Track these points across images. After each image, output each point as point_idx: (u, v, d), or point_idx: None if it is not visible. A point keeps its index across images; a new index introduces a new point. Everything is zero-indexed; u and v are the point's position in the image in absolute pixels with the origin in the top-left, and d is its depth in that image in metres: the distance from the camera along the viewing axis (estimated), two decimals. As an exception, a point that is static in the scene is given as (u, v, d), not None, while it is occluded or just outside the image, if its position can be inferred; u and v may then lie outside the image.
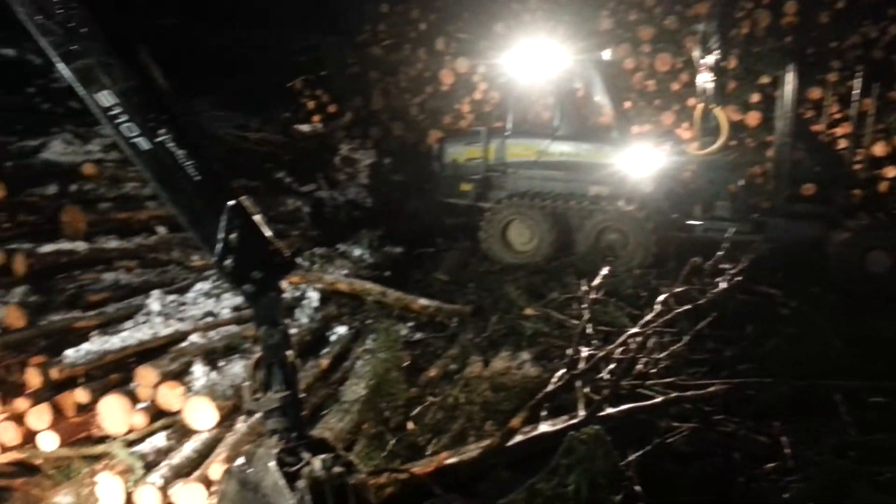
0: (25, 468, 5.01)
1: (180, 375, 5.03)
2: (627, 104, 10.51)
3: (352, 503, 2.39)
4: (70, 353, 5.18)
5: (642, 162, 8.62)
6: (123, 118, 2.65)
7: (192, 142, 2.76)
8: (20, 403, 5.03)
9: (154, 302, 6.11)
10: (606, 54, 9.50)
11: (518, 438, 3.84)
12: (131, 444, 4.56)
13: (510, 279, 7.87)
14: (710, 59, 8.47)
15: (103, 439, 4.76)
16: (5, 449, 4.93)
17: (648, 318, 5.51)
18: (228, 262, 2.65)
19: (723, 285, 6.39)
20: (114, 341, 5.38)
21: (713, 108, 8.68)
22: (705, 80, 8.57)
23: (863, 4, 10.45)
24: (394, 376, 5.28)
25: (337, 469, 2.43)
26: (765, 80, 10.25)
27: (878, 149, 9.12)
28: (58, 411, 4.97)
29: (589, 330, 5.62)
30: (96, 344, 5.33)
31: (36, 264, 6.30)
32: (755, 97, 10.31)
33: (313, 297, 6.77)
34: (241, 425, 4.67)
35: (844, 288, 7.58)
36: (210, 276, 6.80)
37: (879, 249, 7.77)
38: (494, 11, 12.52)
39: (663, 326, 5.69)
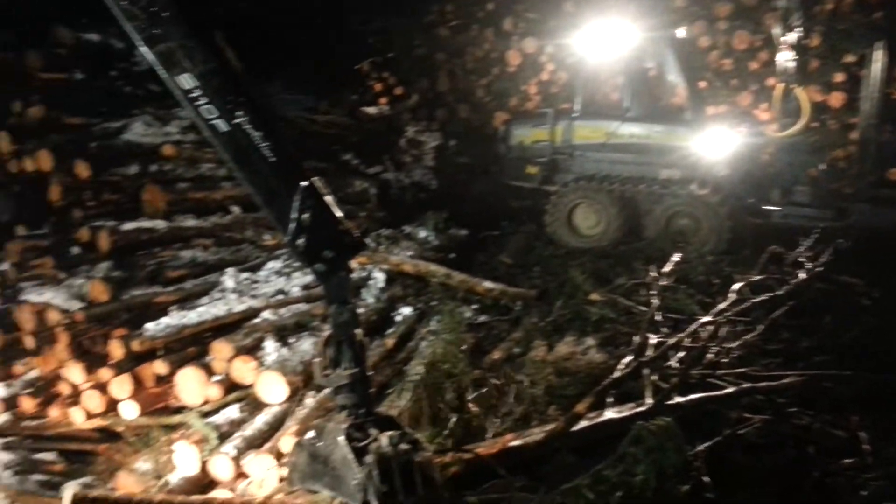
0: (108, 434, 5.30)
1: (253, 350, 5.20)
2: (702, 84, 10.16)
3: (417, 480, 2.42)
4: (150, 327, 5.43)
5: (717, 144, 8.32)
6: (203, 100, 2.74)
7: (267, 124, 2.83)
8: (104, 373, 5.31)
9: (228, 279, 6.33)
10: (680, 32, 9.18)
11: (583, 424, 3.80)
12: (206, 415, 4.76)
13: (575, 263, 7.77)
14: (792, 36, 8.08)
15: (180, 410, 4.98)
16: (90, 416, 5.22)
17: (722, 306, 5.35)
18: (301, 241, 2.71)
19: (802, 274, 6.13)
20: (191, 316, 5.60)
21: (794, 89, 8.30)
22: (786, 58, 8.19)
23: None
24: (457, 358, 5.31)
25: (403, 446, 2.47)
26: (850, 58, 9.72)
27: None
28: (138, 382, 5.23)
29: (658, 317, 5.50)
30: (175, 318, 5.57)
31: (119, 241, 6.61)
32: (839, 77, 9.80)
33: (379, 277, 6.88)
34: (310, 400, 4.80)
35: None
36: (281, 255, 6.98)
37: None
38: (564, -10, 12.28)
39: (737, 315, 5.52)
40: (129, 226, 6.79)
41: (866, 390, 4.73)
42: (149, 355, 5.35)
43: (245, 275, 6.54)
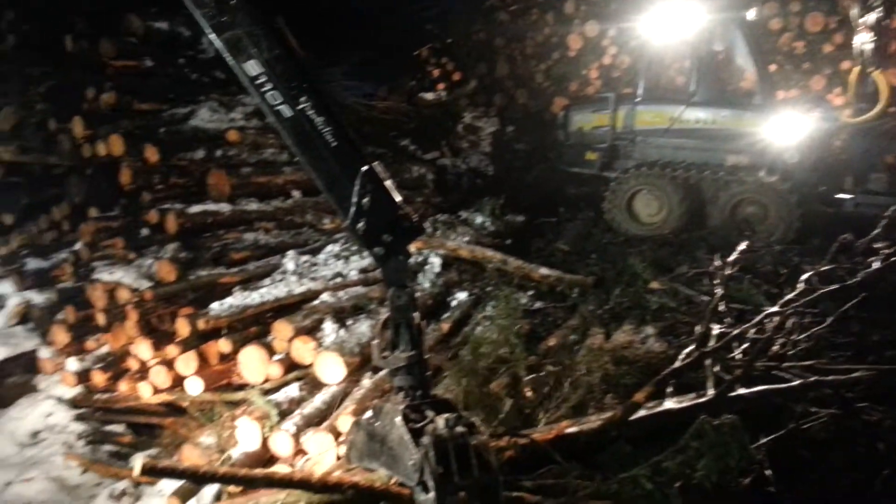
0: (174, 409, 5.52)
1: (312, 331, 5.31)
2: (773, 67, 9.78)
3: (473, 463, 2.42)
4: (215, 306, 5.60)
5: (788, 130, 8.01)
6: (268, 87, 2.80)
7: (329, 109, 2.87)
8: (170, 350, 5.52)
9: (289, 262, 6.47)
10: (751, 13, 8.85)
11: (641, 413, 3.73)
12: (267, 392, 4.89)
13: (635, 251, 7.63)
14: (871, 17, 7.68)
15: (242, 387, 5.13)
16: (157, 391, 5.43)
17: (789, 297, 5.15)
18: (360, 225, 2.74)
19: (875, 265, 5.85)
20: (253, 297, 5.75)
21: (872, 72, 7.89)
22: (864, 40, 7.79)
23: None
24: (513, 343, 5.29)
25: (459, 429, 2.47)
26: (934, 39, 9.19)
27: None
28: (203, 359, 5.41)
29: (721, 307, 5.34)
30: (238, 299, 5.72)
31: (185, 223, 6.83)
32: (921, 59, 9.28)
33: (435, 262, 6.90)
34: (366, 381, 4.87)
35: None
36: (340, 239, 7.09)
37: None
38: (627, -29, 11.99)
39: (805, 307, 5.31)
40: (195, 209, 7.00)
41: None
42: (213, 334, 5.53)
43: (305, 258, 6.66)
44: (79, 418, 5.90)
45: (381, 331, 2.83)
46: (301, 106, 2.79)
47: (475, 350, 5.26)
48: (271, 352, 5.16)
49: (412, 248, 2.90)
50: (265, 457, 4.45)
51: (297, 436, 4.31)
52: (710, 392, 4.13)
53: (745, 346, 4.73)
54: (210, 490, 4.42)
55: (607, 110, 9.29)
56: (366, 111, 10.62)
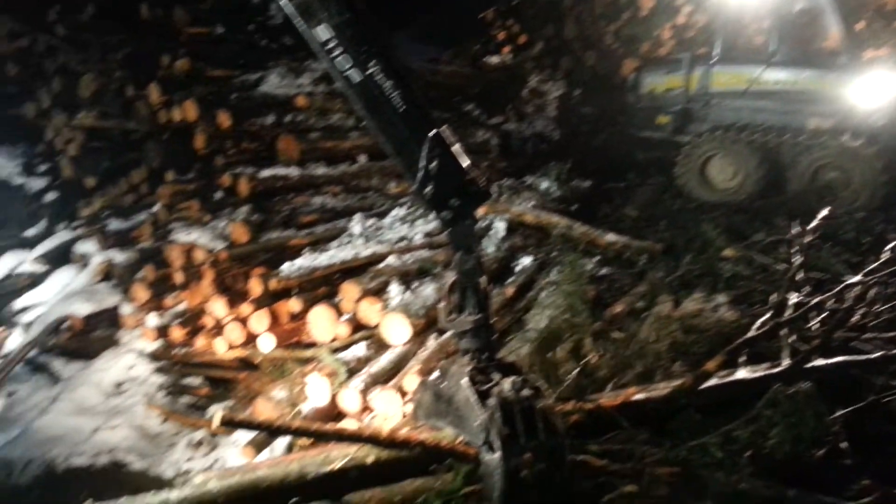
0: (247, 364, 5.73)
1: (378, 293, 5.40)
2: (860, 25, 9.19)
3: (539, 425, 2.42)
4: (285, 267, 5.76)
5: (874, 91, 7.55)
6: (338, 51, 2.81)
7: (397, 73, 2.86)
8: (244, 309, 5.71)
9: (356, 225, 6.57)
10: (837, -34, 8.31)
11: (712, 382, 3.65)
12: (335, 351, 5.01)
13: (707, 218, 7.40)
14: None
15: (312, 345, 5.28)
16: (231, 347, 5.65)
17: (872, 266, 4.91)
18: (428, 189, 2.74)
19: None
20: (322, 259, 5.88)
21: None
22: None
23: None
24: (578, 309, 5.24)
25: (526, 392, 2.47)
26: None
27: None
28: (274, 317, 5.59)
29: (800, 276, 5.14)
30: (307, 260, 5.87)
31: (257, 187, 7.01)
32: None
33: (500, 227, 6.87)
34: (431, 343, 4.94)
35: None
36: (405, 203, 7.14)
37: None
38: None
39: (889, 277, 5.06)
40: (265, 173, 7.17)
41: None
42: (284, 293, 5.69)
43: (371, 221, 6.75)
44: (158, 371, 6.21)
45: (447, 294, 2.84)
46: (370, 70, 2.79)
47: (540, 315, 5.25)
48: (339, 312, 5.27)
49: (479, 212, 2.87)
50: (333, 412, 4.58)
51: (364, 393, 4.41)
52: (786, 362, 4.00)
53: (824, 316, 4.55)
54: (282, 442, 4.59)
55: (681, 72, 8.96)
56: (430, 76, 10.57)
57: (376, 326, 5.02)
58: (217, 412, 1.97)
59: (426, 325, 5.07)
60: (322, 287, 5.80)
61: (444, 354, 4.73)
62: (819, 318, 4.54)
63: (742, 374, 3.87)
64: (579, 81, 11.84)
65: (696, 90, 8.87)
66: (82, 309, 6.85)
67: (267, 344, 5.37)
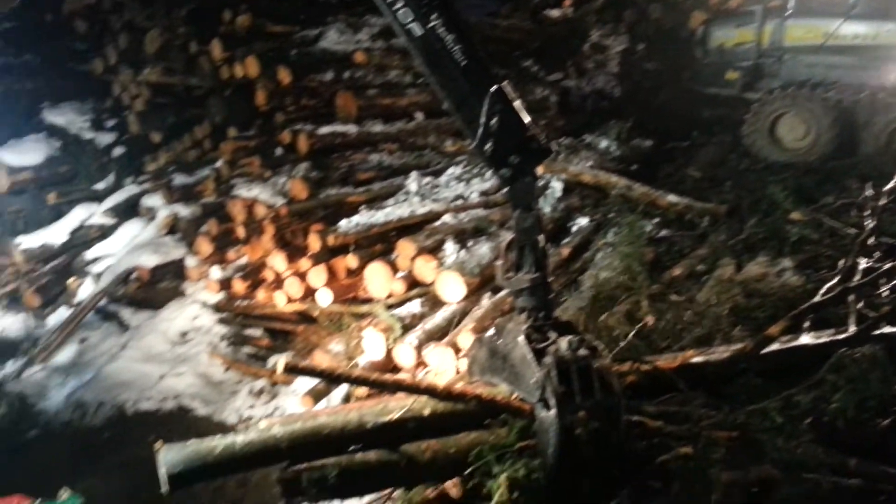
0: (305, 318, 5.89)
1: (434, 251, 5.42)
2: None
3: (595, 385, 2.42)
4: (343, 224, 5.85)
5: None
6: (400, 3, 2.79)
7: (459, 27, 2.81)
8: (303, 264, 5.84)
9: (412, 183, 6.59)
10: None
11: (774, 347, 3.55)
12: (391, 307, 5.09)
13: (775, 179, 7.10)
14: None
15: (368, 301, 5.38)
16: (290, 300, 5.80)
17: (951, 232, 4.66)
18: (488, 146, 2.70)
19: None
20: (378, 216, 5.94)
21: None
22: None
23: None
24: (635, 271, 5.16)
25: (582, 351, 2.46)
26: None
27: None
28: (332, 273, 5.70)
29: (871, 241, 4.92)
30: (364, 217, 5.93)
31: (315, 144, 7.08)
32: None
33: (557, 187, 6.78)
34: (486, 301, 4.96)
35: None
36: (461, 161, 7.10)
37: None
38: None
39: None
40: (324, 130, 7.23)
41: None
42: (341, 249, 5.79)
43: (427, 179, 6.76)
44: (221, 322, 6.45)
45: (505, 252, 2.82)
46: (432, 23, 2.75)
47: (596, 276, 5.20)
48: (395, 269, 5.33)
49: (539, 169, 2.83)
50: (389, 366, 4.68)
51: (419, 349, 4.49)
52: (852, 329, 3.86)
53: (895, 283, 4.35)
54: (339, 392, 4.73)
55: (753, 25, 8.54)
56: (489, 30, 10.36)
57: (431, 284, 5.06)
58: (281, 359, 2.05)
59: (481, 283, 5.08)
60: (378, 244, 5.86)
61: (498, 313, 4.74)
62: (890, 285, 4.35)
63: (805, 339, 3.75)
64: (643, 36, 11.40)
65: (768, 44, 8.45)
66: (149, 261, 7.14)
67: (324, 298, 5.49)
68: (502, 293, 2.74)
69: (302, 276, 5.73)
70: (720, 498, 2.42)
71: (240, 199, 6.87)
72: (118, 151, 8.87)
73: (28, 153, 8.66)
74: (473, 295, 5.02)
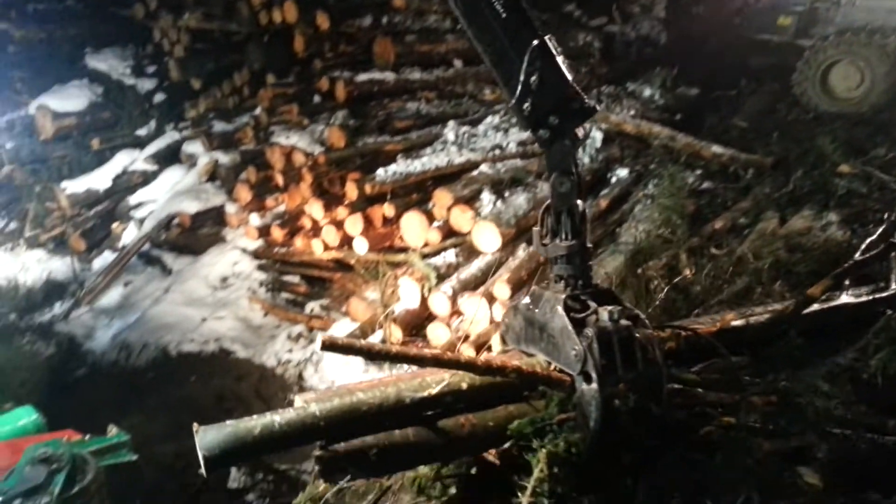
0: (342, 265, 5.95)
1: (470, 201, 5.40)
2: None
3: (638, 356, 2.35)
4: (380, 173, 5.84)
5: None
6: None
7: None
8: (340, 212, 5.88)
9: (450, 132, 6.52)
10: None
11: (815, 307, 3.45)
12: (426, 256, 5.11)
13: (824, 130, 6.85)
14: None
15: (403, 250, 5.40)
16: (327, 248, 5.86)
17: None
18: (526, 104, 2.54)
19: None
20: (415, 165, 5.91)
21: None
22: None
23: None
24: (676, 223, 5.07)
25: (624, 322, 2.38)
26: None
27: None
28: (368, 221, 5.73)
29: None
30: (401, 166, 5.92)
31: (353, 91, 7.04)
32: None
33: (597, 137, 6.64)
34: (521, 252, 4.94)
35: None
36: (499, 111, 6.99)
37: None
38: None
39: None
40: (362, 77, 7.17)
41: None
42: (378, 198, 5.80)
43: (465, 128, 6.68)
44: (260, 268, 6.57)
45: (542, 217, 2.71)
46: None
47: (635, 228, 5.13)
48: (431, 218, 5.33)
49: (580, 130, 2.68)
50: (424, 314, 4.73)
51: (453, 298, 4.51)
52: (893, 288, 3.74)
53: (948, 240, 4.19)
54: (374, 339, 4.81)
55: (808, -33, 8.12)
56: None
57: (467, 234, 5.05)
58: (318, 335, 2.04)
59: (516, 234, 5.06)
60: (415, 193, 5.86)
61: (533, 264, 4.73)
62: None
63: (846, 298, 3.65)
64: (692, -21, 10.95)
65: (824, -12, 8.04)
66: (190, 207, 7.27)
67: (361, 246, 5.53)
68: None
69: (339, 224, 5.77)
70: (761, 468, 2.38)
71: (278, 147, 6.90)
72: (159, 98, 8.96)
73: (71, 99, 8.80)
74: (509, 245, 5.00)
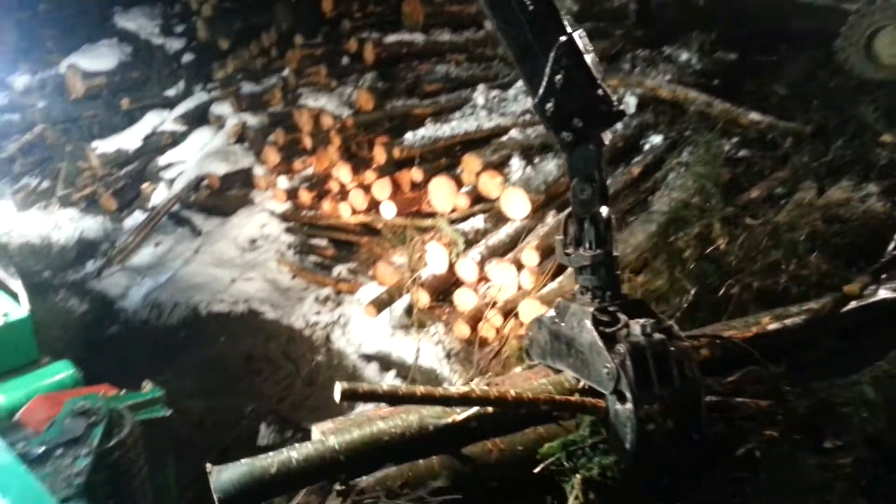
0: (369, 229, 5.95)
1: (499, 166, 5.33)
2: None
3: (674, 372, 2.24)
4: (409, 136, 5.79)
5: None
6: None
7: None
8: (368, 175, 5.86)
9: (479, 96, 6.42)
10: None
11: (852, 305, 3.31)
12: (454, 221, 5.08)
13: (867, 98, 6.61)
14: None
15: (431, 215, 5.38)
16: (355, 212, 5.86)
17: None
18: (549, 105, 2.37)
19: None
20: (444, 129, 5.85)
21: None
22: None
23: None
24: (710, 192, 4.96)
25: (657, 336, 2.28)
26: None
27: None
28: (396, 186, 5.70)
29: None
30: (430, 130, 5.86)
31: (382, 53, 6.95)
32: None
33: (631, 102, 6.49)
34: (550, 218, 4.89)
35: None
36: (530, 74, 6.86)
37: None
38: None
39: None
40: (391, 38, 7.07)
41: None
42: (406, 162, 5.76)
43: (495, 92, 6.57)
44: (288, 231, 6.60)
45: (564, 225, 2.56)
46: None
47: (667, 197, 5.04)
48: (459, 183, 5.29)
49: (605, 137, 2.47)
50: (451, 280, 4.72)
51: (481, 264, 4.49)
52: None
53: None
54: (402, 303, 4.83)
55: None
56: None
57: (496, 200, 5.00)
58: (337, 385, 1.92)
59: (545, 200, 5.00)
60: (443, 158, 5.81)
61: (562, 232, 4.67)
62: None
63: (884, 293, 3.48)
64: (732, -62, 10.56)
65: (873, -53, 7.68)
66: (219, 168, 7.30)
67: (388, 211, 5.52)
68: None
69: (366, 188, 5.75)
70: (808, 487, 2.25)
71: (306, 109, 6.87)
72: (187, 58, 8.94)
73: (101, 58, 8.83)
74: (538, 212, 4.95)
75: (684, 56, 7.68)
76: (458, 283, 4.65)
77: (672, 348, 2.19)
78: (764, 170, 5.58)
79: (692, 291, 3.99)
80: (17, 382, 2.71)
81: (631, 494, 2.21)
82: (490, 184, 5.13)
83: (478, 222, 5.00)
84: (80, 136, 8.53)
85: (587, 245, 2.39)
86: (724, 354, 2.70)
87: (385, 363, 4.73)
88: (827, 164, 5.44)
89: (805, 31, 8.46)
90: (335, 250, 6.25)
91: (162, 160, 8.03)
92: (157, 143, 8.25)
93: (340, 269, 5.89)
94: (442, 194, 5.23)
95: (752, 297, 3.76)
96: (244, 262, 6.38)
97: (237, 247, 6.59)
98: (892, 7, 7.38)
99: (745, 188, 5.27)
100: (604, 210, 2.38)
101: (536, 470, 2.20)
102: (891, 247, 3.99)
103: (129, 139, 8.31)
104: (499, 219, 5.00)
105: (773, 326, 2.98)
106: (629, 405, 2.12)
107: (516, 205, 4.85)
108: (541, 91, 2.34)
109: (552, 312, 2.52)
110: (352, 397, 1.92)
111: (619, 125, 6.18)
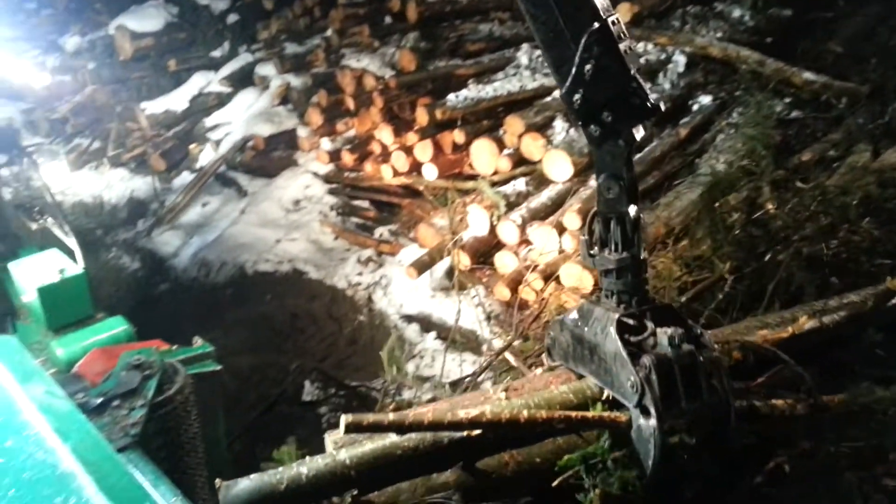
0: (411, 191, 5.97)
1: (542, 128, 5.27)
2: None
3: (703, 385, 2.05)
4: (451, 98, 5.75)
5: None
6: None
7: None
8: (410, 137, 5.85)
9: (523, 56, 6.32)
10: None
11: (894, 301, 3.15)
12: (496, 184, 5.06)
13: (930, 55, 6.30)
14: None
15: (473, 177, 5.36)
16: (396, 173, 5.87)
17: None
18: (577, 96, 2.16)
19: None
20: (487, 90, 5.78)
21: None
22: None
23: None
24: (760, 154, 4.83)
25: (686, 346, 2.06)
26: None
27: None
28: (438, 147, 5.69)
29: None
30: (472, 91, 5.80)
31: (425, 12, 6.86)
32: None
33: (679, 61, 6.31)
34: (593, 182, 4.82)
35: None
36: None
37: None
38: None
39: None
40: (433, -4, 6.98)
41: None
42: (448, 124, 5.73)
43: (539, 52, 6.45)
44: (331, 192, 6.66)
45: (589, 224, 2.44)
46: None
47: (715, 159, 4.92)
48: (501, 146, 5.25)
49: (637, 133, 2.30)
50: (492, 242, 4.73)
51: (522, 227, 4.48)
52: None
53: None
54: (443, 265, 4.86)
55: None
56: None
57: (538, 162, 4.96)
58: (343, 417, 1.88)
59: (588, 163, 4.92)
60: (486, 119, 5.76)
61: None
62: None
63: None
64: None
65: None
66: (263, 130, 7.38)
67: (430, 173, 5.52)
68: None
69: (408, 149, 5.76)
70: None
71: (349, 70, 6.86)
72: (232, 18, 8.98)
73: (148, 19, 8.94)
74: (580, 175, 4.89)
75: (737, 12, 7.39)
76: (499, 245, 4.65)
77: (701, 358, 2.08)
78: (817, 132, 5.40)
79: (737, 259, 3.93)
80: (73, 336, 2.82)
81: None
82: (532, 146, 5.08)
83: (520, 185, 4.97)
84: (129, 97, 8.70)
85: (613, 247, 2.27)
86: (756, 357, 2.54)
87: (426, 324, 4.79)
88: (883, 126, 5.23)
89: (867, -15, 8.05)
90: (377, 212, 6.30)
91: (208, 121, 8.14)
92: (204, 105, 8.37)
93: (382, 231, 5.95)
94: (484, 156, 5.21)
95: (799, 265, 3.67)
96: (288, 222, 6.48)
97: (281, 207, 6.69)
98: (963, -42, 6.96)
99: (797, 151, 5.12)
100: (632, 210, 2.25)
101: (554, 483, 2.12)
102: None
103: (177, 100, 8.45)
104: (541, 181, 4.96)
105: (810, 325, 2.78)
106: (653, 421, 2.03)
107: (559, 167, 4.80)
108: (568, 81, 2.19)
109: (575, 315, 2.42)
110: (357, 430, 1.88)
111: (667, 85, 6.05)
